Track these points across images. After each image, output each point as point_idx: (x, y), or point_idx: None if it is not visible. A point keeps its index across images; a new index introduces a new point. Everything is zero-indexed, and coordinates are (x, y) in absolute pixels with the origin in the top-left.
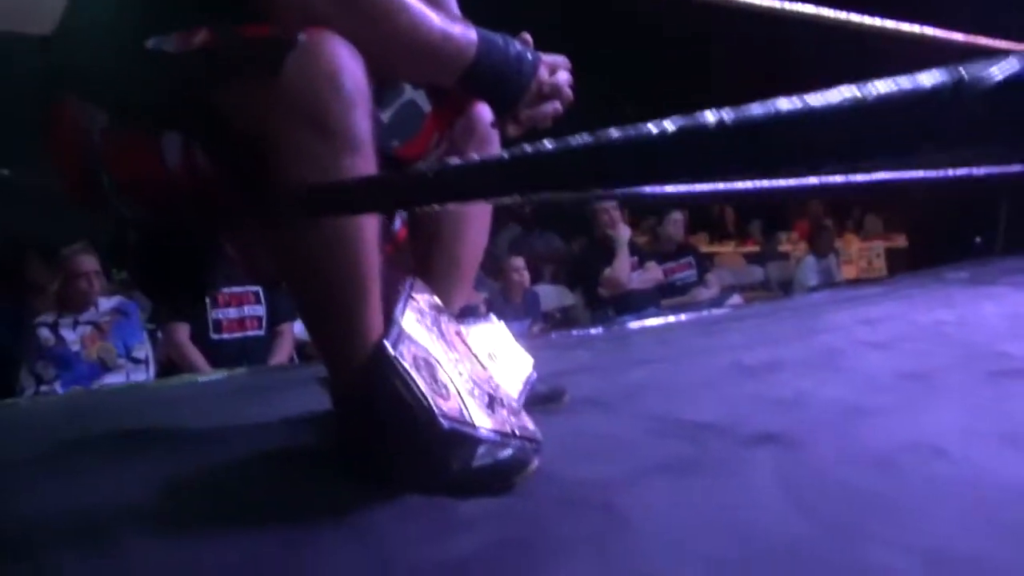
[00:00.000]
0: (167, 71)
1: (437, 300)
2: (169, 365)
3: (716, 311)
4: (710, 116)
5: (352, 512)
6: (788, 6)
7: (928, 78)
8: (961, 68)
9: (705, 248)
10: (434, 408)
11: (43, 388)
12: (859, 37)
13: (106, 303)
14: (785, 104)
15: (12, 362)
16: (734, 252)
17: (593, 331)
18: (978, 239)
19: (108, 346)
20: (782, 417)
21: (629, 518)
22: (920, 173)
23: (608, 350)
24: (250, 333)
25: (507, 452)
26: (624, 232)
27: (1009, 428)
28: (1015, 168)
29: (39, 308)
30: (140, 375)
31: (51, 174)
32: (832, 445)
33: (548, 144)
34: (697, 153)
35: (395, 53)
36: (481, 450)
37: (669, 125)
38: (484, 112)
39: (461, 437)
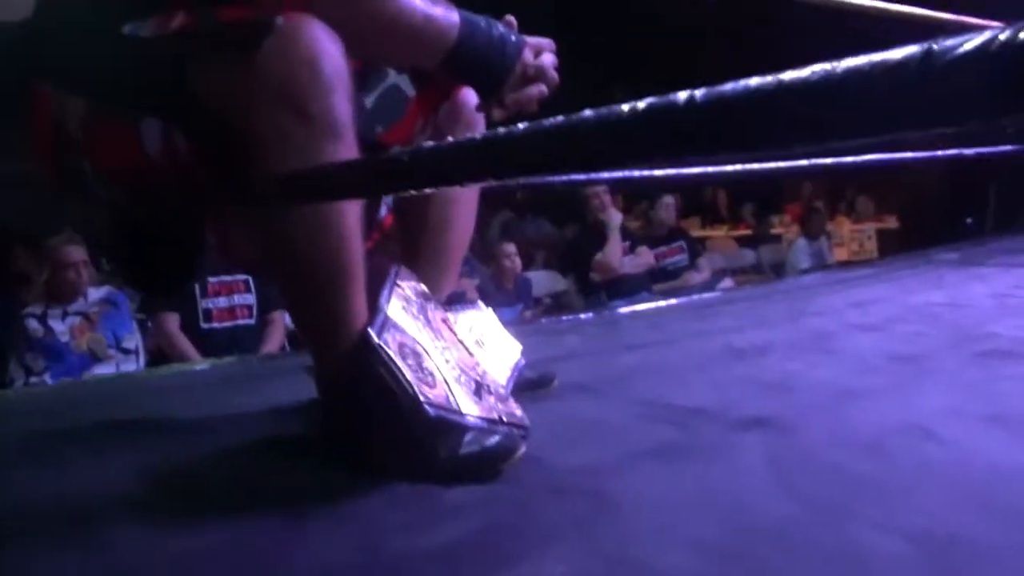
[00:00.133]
0: (144, 56)
1: (423, 287)
2: (159, 355)
3: (707, 295)
4: (681, 94)
5: (339, 500)
6: None
7: (898, 53)
8: (931, 42)
9: (697, 232)
10: (420, 396)
11: (33, 380)
12: (859, 21)
13: (95, 293)
14: (756, 81)
15: (1, 354)
16: (726, 236)
17: (583, 316)
18: (969, 220)
19: (98, 337)
20: (772, 400)
21: (618, 503)
22: (909, 154)
23: (598, 335)
24: (240, 322)
25: (494, 439)
26: (615, 217)
27: (998, 409)
28: (1005, 149)
29: (27, 299)
30: (130, 365)
31: (33, 162)
32: (822, 428)
33: (522, 126)
34: (669, 132)
35: (375, 35)
36: (468, 437)
37: (640, 104)
38: (469, 96)
39: (448, 424)
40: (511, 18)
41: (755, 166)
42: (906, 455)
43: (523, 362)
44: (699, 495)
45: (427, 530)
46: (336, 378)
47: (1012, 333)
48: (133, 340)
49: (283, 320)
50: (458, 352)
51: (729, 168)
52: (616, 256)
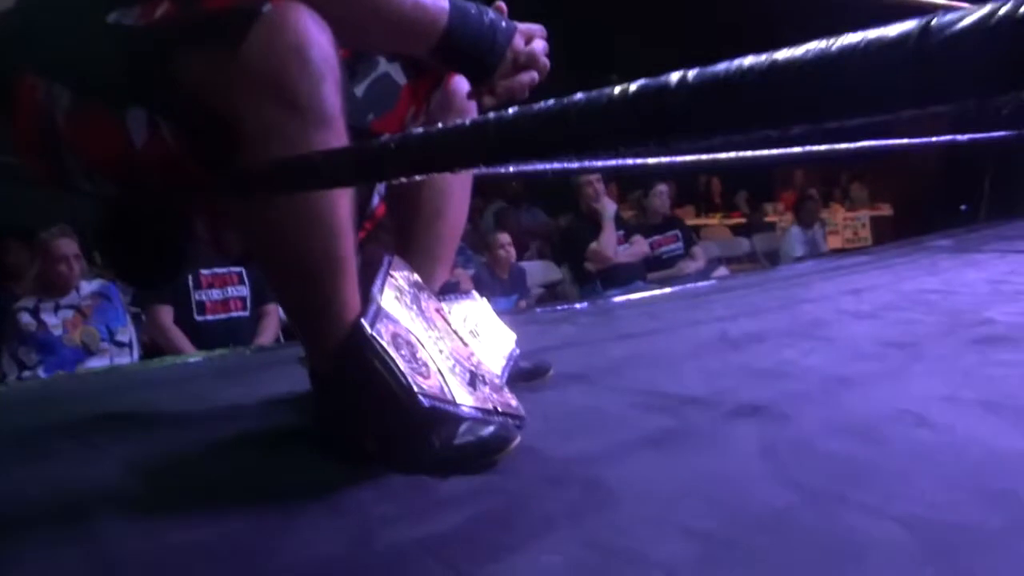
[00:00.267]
0: (129, 45)
1: (417, 277)
2: (153, 348)
3: (702, 283)
4: (673, 75)
5: (333, 491)
6: None
7: (894, 29)
8: (929, 17)
9: (692, 220)
10: (413, 386)
11: (26, 374)
12: (867, 8)
13: (87, 287)
14: (749, 60)
15: None
16: (720, 224)
17: (578, 306)
18: (963, 207)
19: (91, 330)
20: (767, 388)
21: (613, 492)
22: (904, 141)
23: (593, 324)
24: (234, 314)
25: (489, 429)
26: (610, 206)
27: (993, 395)
28: (998, 134)
29: (19, 293)
30: (124, 359)
31: (18, 155)
32: (817, 415)
33: (512, 110)
34: (661, 114)
35: (364, 22)
36: (463, 427)
37: (632, 86)
38: (460, 84)
39: (442, 415)
40: (501, 3)
41: (748, 153)
42: (901, 441)
43: (518, 352)
44: (694, 483)
45: (421, 521)
46: (329, 369)
47: (1007, 319)
48: (127, 333)
49: (277, 312)
50: (452, 342)
51: (722, 156)
52: (611, 245)
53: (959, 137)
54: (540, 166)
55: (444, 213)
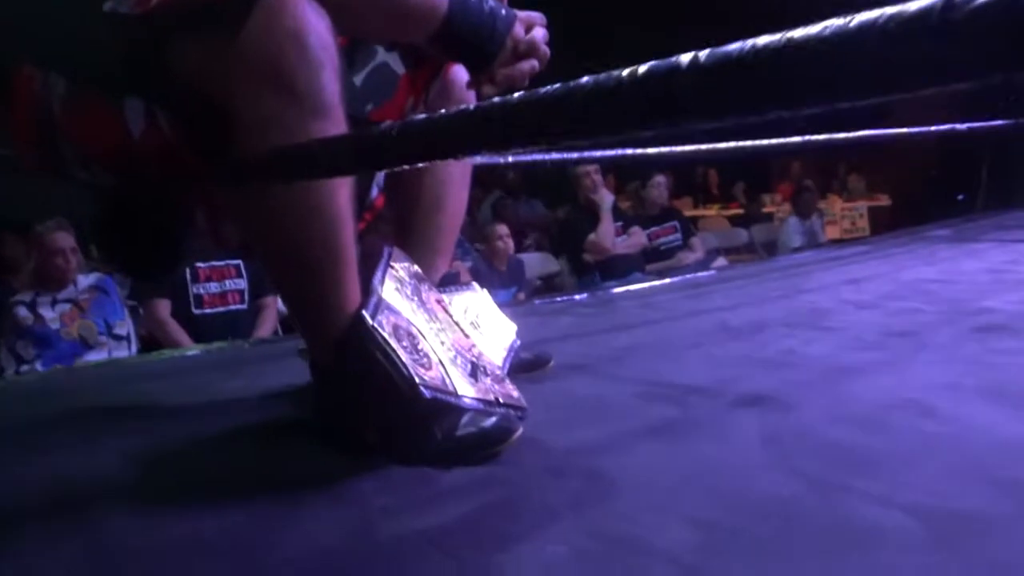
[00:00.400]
0: (125, 34)
1: (417, 269)
2: (151, 342)
3: (701, 274)
4: (684, 57)
5: (334, 483)
6: None
7: (915, 4)
8: None
9: (690, 211)
10: (415, 378)
11: (23, 368)
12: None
13: (85, 280)
14: (763, 39)
15: None
16: (718, 215)
17: (577, 297)
18: (960, 197)
19: (88, 323)
20: (769, 378)
21: (617, 482)
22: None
23: (593, 315)
24: (232, 307)
25: (491, 420)
26: (608, 197)
27: (995, 383)
28: (997, 123)
29: (16, 286)
30: (122, 352)
31: (15, 146)
32: (820, 404)
33: (517, 95)
34: (671, 97)
35: (363, 9)
36: (465, 419)
37: (641, 68)
38: (460, 74)
39: (444, 406)
40: None
41: (746, 143)
42: (904, 430)
43: (518, 343)
44: (698, 473)
45: (424, 512)
46: (330, 361)
47: (1007, 308)
48: (124, 327)
49: (276, 305)
50: (453, 333)
51: (721, 146)
52: (609, 236)
53: (958, 126)
54: (538, 156)
55: (444, 204)
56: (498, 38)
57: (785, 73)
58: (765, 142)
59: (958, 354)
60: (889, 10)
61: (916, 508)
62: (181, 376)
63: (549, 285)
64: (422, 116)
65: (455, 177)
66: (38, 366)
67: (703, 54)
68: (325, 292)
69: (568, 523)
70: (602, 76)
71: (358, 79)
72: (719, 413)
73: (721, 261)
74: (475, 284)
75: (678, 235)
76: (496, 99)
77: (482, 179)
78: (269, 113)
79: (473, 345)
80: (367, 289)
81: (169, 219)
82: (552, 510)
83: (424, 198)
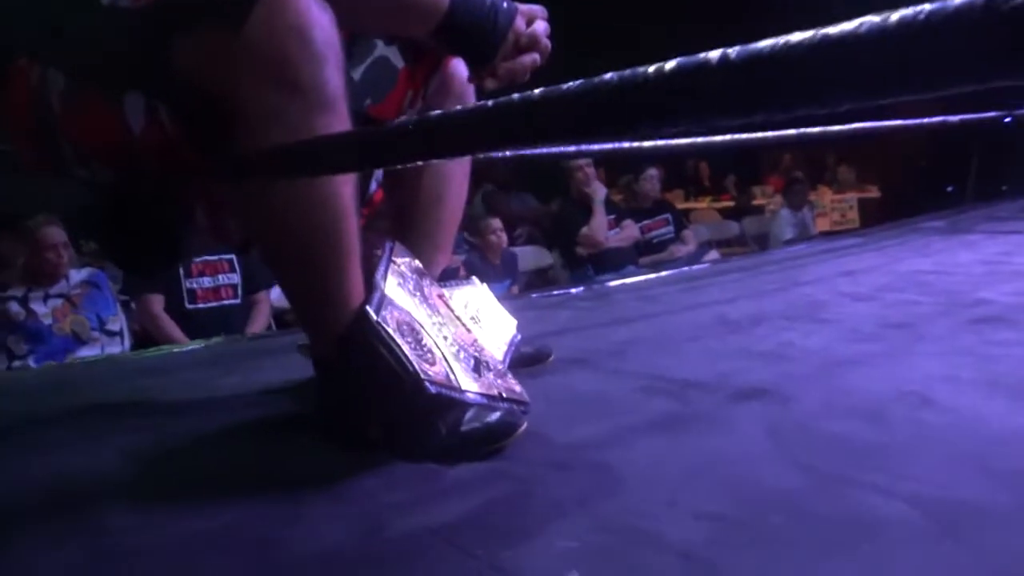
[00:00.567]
0: (125, 28)
1: (418, 264)
2: (144, 337)
3: (697, 267)
4: (713, 53)
5: (338, 480)
6: None
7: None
8: None
9: (681, 204)
10: (420, 373)
11: (16, 364)
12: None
13: (76, 275)
14: (796, 36)
15: None
16: (709, 207)
17: (574, 290)
18: (949, 189)
19: (81, 319)
20: (769, 370)
21: (622, 476)
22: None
23: (590, 309)
24: (226, 302)
25: (495, 415)
26: (600, 190)
27: (992, 374)
28: (988, 115)
29: (7, 282)
30: (115, 347)
31: (11, 142)
32: (820, 396)
33: (538, 91)
34: (701, 94)
35: (366, 3)
36: (469, 414)
37: (668, 65)
38: (459, 68)
39: (448, 402)
40: None
41: (739, 136)
42: (903, 421)
43: (519, 337)
44: (702, 466)
45: (430, 508)
46: (333, 357)
47: (1003, 299)
48: (117, 322)
49: (269, 300)
50: (455, 328)
51: (716, 139)
52: (602, 229)
53: (950, 118)
54: (530, 150)
55: (444, 199)
56: (500, 32)
57: (819, 71)
58: (756, 135)
59: (955, 346)
60: (928, 6)
61: (917, 498)
62: (178, 372)
63: (543, 278)
64: (436, 112)
65: (455, 172)
66: (30, 362)
67: (734, 51)
68: (328, 287)
69: (577, 517)
70: (627, 72)
71: (357, 73)
72: (720, 406)
73: (713, 254)
74: (475, 279)
75: (670, 228)
76: (515, 95)
77: (473, 173)
78: (272, 108)
79: (475, 340)
80: (370, 284)
81: (169, 215)
82: (559, 505)
83: (424, 193)
